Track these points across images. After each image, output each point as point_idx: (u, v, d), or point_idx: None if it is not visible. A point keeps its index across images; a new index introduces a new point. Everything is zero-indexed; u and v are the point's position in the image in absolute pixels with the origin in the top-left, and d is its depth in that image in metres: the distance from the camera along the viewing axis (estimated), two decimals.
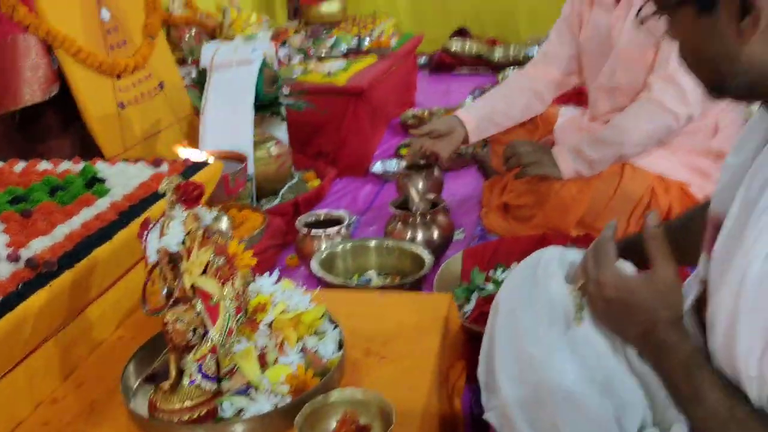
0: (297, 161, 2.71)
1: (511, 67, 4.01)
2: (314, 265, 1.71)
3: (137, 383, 1.16)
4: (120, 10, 2.43)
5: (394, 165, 2.84)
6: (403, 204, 2.05)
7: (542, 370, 0.95)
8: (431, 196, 2.09)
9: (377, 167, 2.83)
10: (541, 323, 0.98)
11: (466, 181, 2.66)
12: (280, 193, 2.43)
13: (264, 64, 2.31)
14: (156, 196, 1.43)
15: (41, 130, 2.39)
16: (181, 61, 3.08)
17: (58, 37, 2.12)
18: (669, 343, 0.86)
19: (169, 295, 1.05)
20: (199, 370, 1.04)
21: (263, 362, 1.10)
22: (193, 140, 2.46)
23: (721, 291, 0.78)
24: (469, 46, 4.58)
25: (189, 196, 1.05)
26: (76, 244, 1.22)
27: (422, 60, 4.56)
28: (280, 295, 1.18)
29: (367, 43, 3.42)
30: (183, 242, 1.06)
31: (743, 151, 0.87)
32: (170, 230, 1.05)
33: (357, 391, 1.05)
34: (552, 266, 1.03)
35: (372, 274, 1.85)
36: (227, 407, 1.06)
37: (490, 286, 1.70)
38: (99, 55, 2.26)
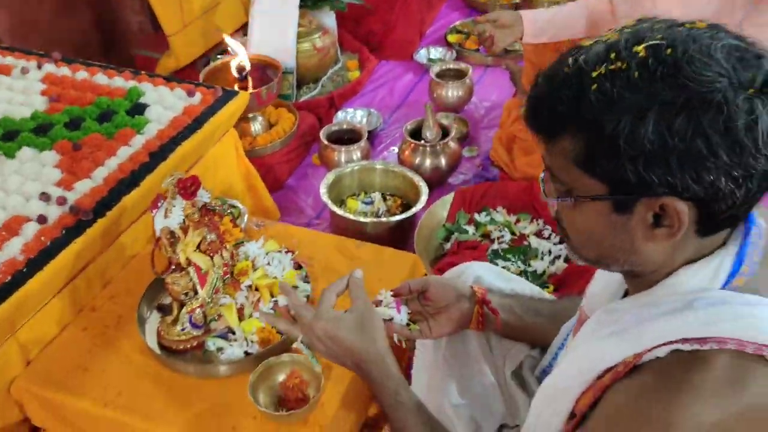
0: (345, 42, 2.84)
1: None
2: (322, 189, 1.98)
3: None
4: None
5: (438, 53, 2.93)
6: (417, 129, 2.23)
7: None
8: (446, 121, 2.26)
9: (421, 55, 2.93)
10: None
11: (497, 85, 2.76)
12: (320, 83, 2.62)
13: None
14: (183, 135, 1.70)
15: None
16: None
17: None
18: (377, 380, 1.03)
19: (169, 264, 1.37)
20: (190, 320, 1.39)
21: (241, 315, 1.44)
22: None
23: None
24: None
25: (187, 191, 1.33)
26: (110, 189, 1.53)
27: None
28: (262, 259, 1.48)
29: None
30: (183, 221, 1.35)
31: None
32: (172, 214, 1.34)
33: (300, 356, 1.37)
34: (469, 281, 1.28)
35: (376, 195, 2.11)
36: (211, 345, 1.42)
37: (470, 230, 1.94)
38: None
